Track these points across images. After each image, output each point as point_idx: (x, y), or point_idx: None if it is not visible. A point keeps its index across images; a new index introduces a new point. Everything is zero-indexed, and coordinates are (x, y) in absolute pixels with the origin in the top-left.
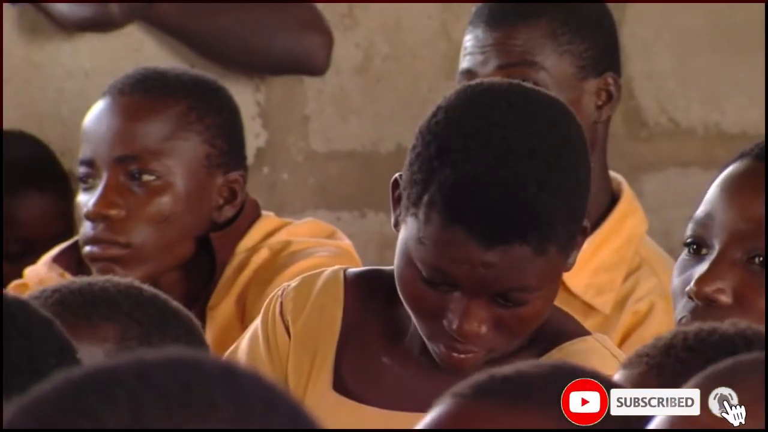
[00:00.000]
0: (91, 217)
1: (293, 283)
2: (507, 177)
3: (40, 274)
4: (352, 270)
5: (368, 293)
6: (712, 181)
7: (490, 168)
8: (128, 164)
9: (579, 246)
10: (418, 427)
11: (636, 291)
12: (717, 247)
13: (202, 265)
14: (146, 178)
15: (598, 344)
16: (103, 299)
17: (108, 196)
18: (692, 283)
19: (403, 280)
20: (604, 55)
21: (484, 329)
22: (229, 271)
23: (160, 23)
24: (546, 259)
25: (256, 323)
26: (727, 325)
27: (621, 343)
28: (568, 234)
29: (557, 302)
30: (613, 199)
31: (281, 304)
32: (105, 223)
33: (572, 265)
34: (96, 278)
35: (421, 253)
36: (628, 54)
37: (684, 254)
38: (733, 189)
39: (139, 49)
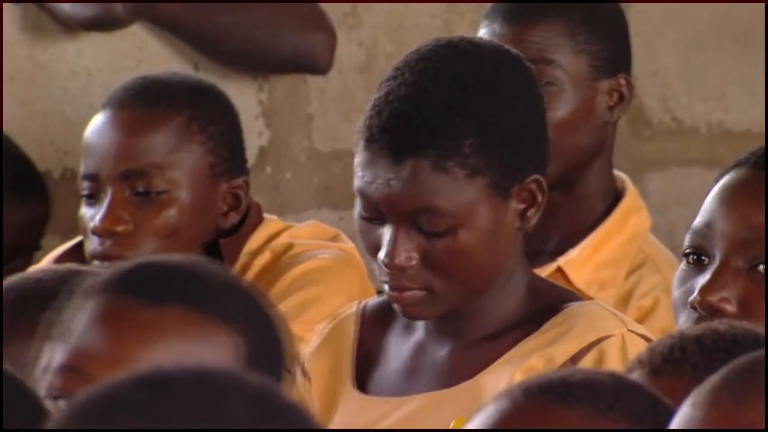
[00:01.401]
0: (99, 233)
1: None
2: (414, 95)
3: None
4: (371, 300)
5: (385, 310)
6: (712, 187)
7: (403, 89)
8: (133, 179)
9: (532, 199)
10: (469, 426)
11: (639, 287)
12: (718, 256)
13: None
14: (152, 192)
15: (599, 306)
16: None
17: (114, 212)
18: (696, 293)
19: (356, 224)
20: (618, 55)
21: (412, 261)
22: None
23: (163, 22)
24: (449, 178)
25: None
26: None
27: None
28: (485, 163)
29: None
30: (618, 197)
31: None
32: (112, 239)
33: (527, 221)
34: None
35: (356, 184)
36: (631, 52)
37: (683, 265)
38: (733, 198)
39: (142, 48)
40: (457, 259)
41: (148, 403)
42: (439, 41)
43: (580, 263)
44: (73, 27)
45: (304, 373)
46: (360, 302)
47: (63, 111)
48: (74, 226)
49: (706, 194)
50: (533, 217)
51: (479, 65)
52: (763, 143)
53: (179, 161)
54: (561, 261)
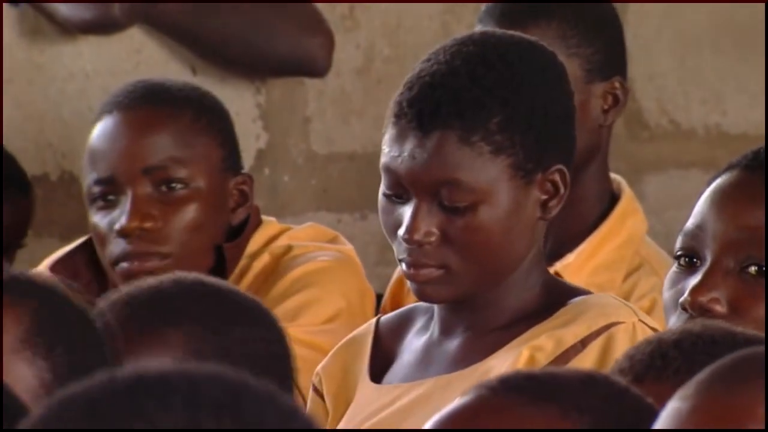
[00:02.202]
0: (128, 232)
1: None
2: (445, 71)
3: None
4: (385, 316)
5: (402, 319)
6: (704, 190)
7: (435, 67)
8: (154, 175)
9: (554, 190)
10: (439, 414)
11: (636, 289)
12: (709, 257)
13: (211, 274)
14: (174, 186)
15: (612, 297)
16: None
17: (141, 209)
18: (686, 294)
19: (378, 204)
20: (611, 58)
21: (431, 237)
22: (230, 277)
23: (161, 25)
24: (474, 153)
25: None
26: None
27: None
28: (510, 143)
29: None
30: (614, 199)
31: (313, 384)
32: (141, 237)
33: (549, 212)
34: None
35: (382, 161)
36: (629, 55)
37: (674, 267)
38: (724, 199)
39: (140, 50)
40: (476, 236)
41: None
42: (476, 31)
43: (576, 267)
44: (71, 30)
45: (316, 389)
46: (374, 320)
47: (60, 113)
48: (72, 228)
49: (699, 197)
50: (555, 208)
51: (511, 51)
52: (760, 145)
53: (196, 154)
54: (558, 266)
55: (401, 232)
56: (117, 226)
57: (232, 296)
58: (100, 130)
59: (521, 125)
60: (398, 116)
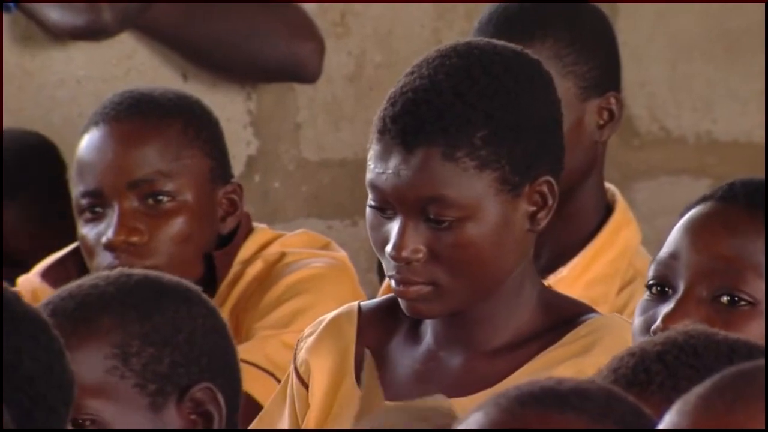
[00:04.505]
0: (115, 246)
1: (306, 331)
2: (428, 86)
3: (34, 284)
4: (367, 302)
5: (384, 313)
6: (678, 221)
7: (418, 81)
8: (141, 188)
9: (543, 201)
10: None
11: (631, 303)
12: (682, 286)
13: (202, 282)
14: (160, 200)
15: (621, 319)
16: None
17: (128, 223)
18: (659, 321)
19: (366, 217)
20: (606, 74)
21: (419, 254)
22: (223, 284)
23: (152, 31)
24: (458, 168)
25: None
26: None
27: None
28: (495, 157)
29: None
30: (609, 210)
31: (294, 354)
32: (127, 251)
33: (537, 224)
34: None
35: (368, 177)
36: (621, 68)
37: (646, 295)
38: (699, 229)
39: (131, 56)
40: (464, 252)
41: None
42: (459, 42)
43: (570, 281)
44: (62, 36)
45: (299, 373)
46: (355, 304)
47: (51, 119)
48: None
49: (672, 228)
50: (543, 219)
51: (495, 63)
52: (750, 153)
53: (183, 167)
54: (551, 279)
55: (388, 249)
56: (104, 240)
57: (158, 281)
58: (87, 142)
59: (506, 139)
60: (382, 132)
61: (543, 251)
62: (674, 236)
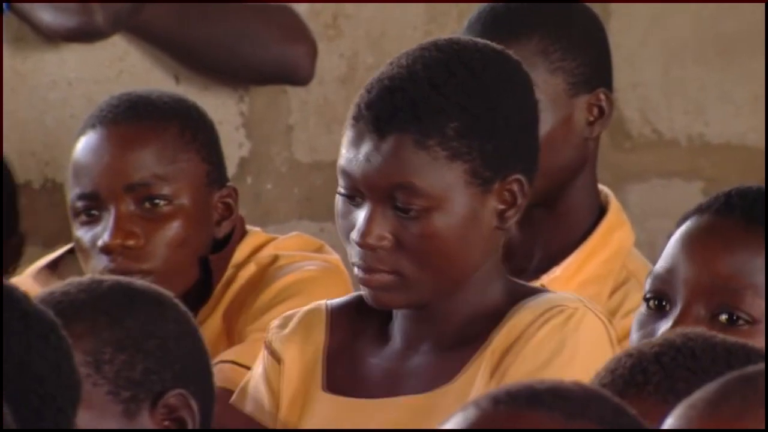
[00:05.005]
0: (111, 249)
1: (276, 321)
2: (405, 75)
3: (26, 286)
4: (334, 300)
5: (353, 312)
6: (674, 231)
7: (395, 71)
8: (138, 192)
9: (512, 199)
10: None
11: (624, 305)
12: (680, 303)
13: (197, 287)
14: (157, 203)
15: (567, 292)
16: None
17: (124, 227)
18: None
19: (335, 206)
20: (595, 70)
21: (384, 242)
22: (216, 287)
23: (144, 34)
24: (429, 157)
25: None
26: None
27: None
28: (467, 149)
29: None
30: (602, 212)
31: (267, 341)
32: (123, 255)
33: (506, 222)
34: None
35: (339, 163)
36: (612, 65)
37: (643, 309)
38: (696, 244)
39: (123, 58)
40: (429, 243)
41: None
42: (441, 38)
43: (564, 281)
44: (54, 38)
45: (273, 353)
46: (323, 303)
47: (43, 121)
48: (54, 236)
49: (668, 238)
50: (512, 218)
51: (473, 58)
52: (742, 156)
53: (179, 170)
54: (545, 279)
55: (354, 235)
56: (100, 243)
57: (129, 287)
58: (84, 145)
59: (479, 132)
60: (356, 119)
61: (536, 251)
62: (671, 250)
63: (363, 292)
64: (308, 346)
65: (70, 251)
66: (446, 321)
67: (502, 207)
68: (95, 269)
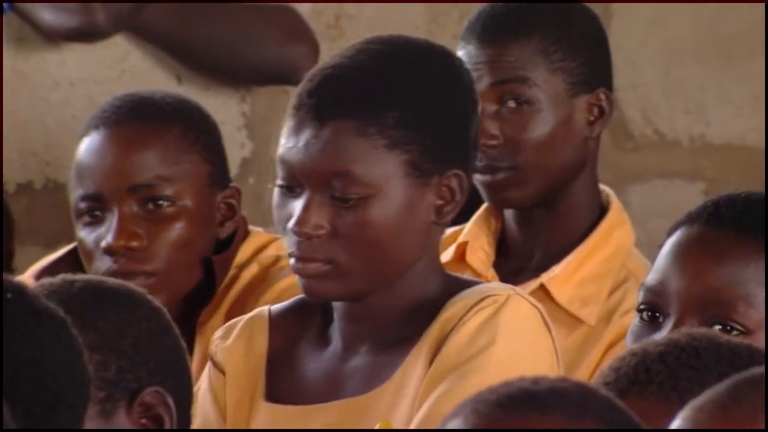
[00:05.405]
0: (114, 250)
1: (218, 332)
2: (347, 64)
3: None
4: (277, 305)
5: (295, 316)
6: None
7: (338, 60)
8: (141, 193)
9: (451, 195)
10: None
11: (623, 304)
12: (672, 315)
13: (200, 287)
14: (160, 204)
15: (496, 283)
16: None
17: (127, 228)
18: None
19: (273, 197)
20: (595, 70)
21: (321, 230)
22: (219, 287)
23: (146, 34)
24: (368, 145)
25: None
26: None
27: (606, 355)
28: (406, 140)
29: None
30: (603, 211)
31: (211, 353)
32: (127, 256)
33: (443, 217)
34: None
35: (278, 153)
36: (613, 65)
37: (637, 320)
38: (687, 256)
39: (124, 58)
40: (365, 231)
41: None
42: (387, 34)
43: (563, 280)
44: (56, 38)
45: (216, 364)
46: (266, 309)
47: (45, 121)
48: (56, 236)
49: (660, 247)
50: (450, 214)
51: (418, 53)
52: (743, 156)
53: (182, 172)
54: (544, 278)
55: (290, 224)
56: (103, 244)
57: (100, 286)
58: (87, 146)
59: (420, 124)
60: (297, 107)
61: (536, 250)
62: (662, 262)
63: (297, 281)
64: (251, 355)
65: (72, 252)
66: (383, 318)
67: (440, 202)
68: (98, 270)
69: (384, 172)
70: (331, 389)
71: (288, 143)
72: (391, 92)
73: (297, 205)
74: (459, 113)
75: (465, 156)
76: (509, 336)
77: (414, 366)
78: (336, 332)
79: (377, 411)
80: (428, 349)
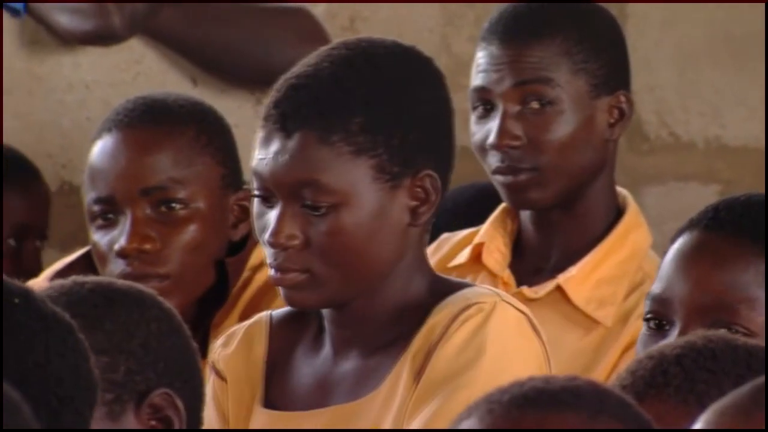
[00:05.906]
0: (127, 253)
1: (219, 340)
2: (310, 72)
3: (42, 289)
4: (278, 311)
5: (293, 321)
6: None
7: (302, 69)
8: (154, 196)
9: (425, 196)
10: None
11: (640, 306)
12: (678, 323)
13: (213, 289)
14: (173, 207)
15: (483, 287)
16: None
17: (140, 231)
18: None
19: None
20: (616, 72)
21: (295, 241)
22: (233, 290)
23: (161, 37)
24: (333, 153)
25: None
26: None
27: (622, 357)
28: (372, 145)
29: (559, 315)
30: (619, 213)
31: (213, 361)
32: (140, 259)
33: (418, 218)
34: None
35: (252, 165)
36: (630, 68)
37: (644, 329)
38: (688, 263)
39: (139, 61)
40: (338, 240)
41: None
42: (353, 37)
43: (579, 280)
44: (71, 41)
45: (218, 373)
46: (267, 314)
47: (60, 124)
48: (72, 238)
49: (665, 254)
50: (425, 215)
51: (380, 55)
52: (759, 158)
53: (195, 174)
54: (560, 279)
55: (266, 235)
56: (116, 247)
57: (110, 288)
58: (100, 149)
59: (384, 127)
60: (266, 119)
61: (553, 251)
62: (665, 271)
63: (280, 292)
64: (251, 362)
65: (86, 255)
66: (370, 323)
67: (414, 203)
68: (112, 273)
69: (352, 179)
70: (322, 395)
71: (259, 155)
72: (353, 98)
73: (272, 216)
74: (428, 113)
75: (438, 155)
76: (497, 347)
77: (401, 374)
78: (327, 336)
79: (366, 419)
80: (415, 358)
